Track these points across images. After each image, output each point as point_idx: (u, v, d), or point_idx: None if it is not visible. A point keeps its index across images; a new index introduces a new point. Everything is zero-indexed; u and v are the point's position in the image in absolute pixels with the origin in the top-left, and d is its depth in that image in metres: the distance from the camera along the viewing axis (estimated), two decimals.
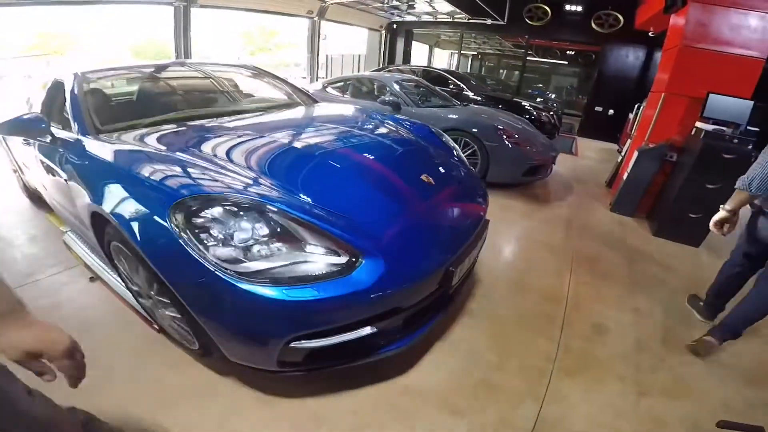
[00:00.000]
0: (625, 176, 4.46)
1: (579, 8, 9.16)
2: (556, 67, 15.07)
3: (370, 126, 2.75)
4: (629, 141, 5.34)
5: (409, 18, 11.14)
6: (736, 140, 3.59)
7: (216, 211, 1.45)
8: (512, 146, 4.42)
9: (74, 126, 2.15)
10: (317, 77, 9.99)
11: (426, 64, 15.21)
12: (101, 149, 1.93)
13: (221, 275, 1.36)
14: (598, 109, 9.47)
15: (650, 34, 8.20)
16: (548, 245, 3.49)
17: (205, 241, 1.40)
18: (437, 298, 1.80)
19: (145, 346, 1.98)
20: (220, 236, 1.41)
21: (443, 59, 20.14)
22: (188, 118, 2.41)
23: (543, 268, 3.08)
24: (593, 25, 9.08)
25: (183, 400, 1.70)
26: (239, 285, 1.35)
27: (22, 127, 2.09)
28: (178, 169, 1.69)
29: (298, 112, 2.95)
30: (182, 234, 1.41)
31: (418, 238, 1.75)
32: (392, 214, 1.79)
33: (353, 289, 1.43)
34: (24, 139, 2.54)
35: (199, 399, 1.72)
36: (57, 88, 2.60)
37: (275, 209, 1.50)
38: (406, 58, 12.47)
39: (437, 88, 6.30)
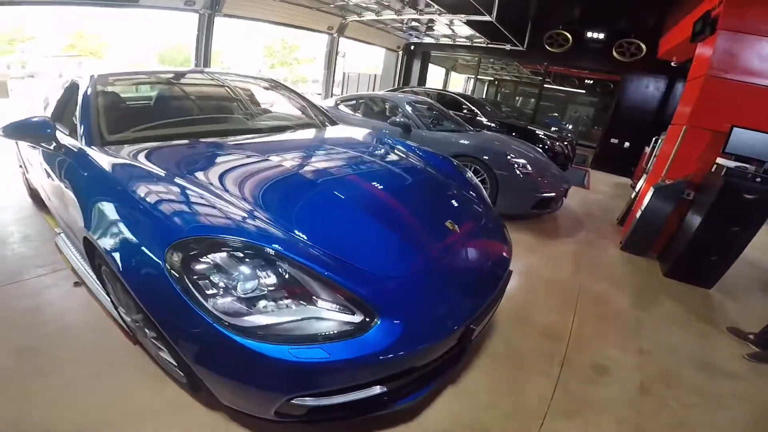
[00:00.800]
0: (638, 214, 4.28)
1: (601, 35, 9.06)
2: (574, 95, 14.97)
3: (393, 160, 2.53)
4: (644, 176, 5.18)
5: (427, 40, 11.22)
6: (759, 179, 3.40)
7: (219, 256, 1.30)
8: (523, 176, 4.30)
9: (80, 132, 2.05)
10: (332, 94, 10.03)
11: (441, 88, 15.29)
12: (103, 164, 1.81)
13: (220, 328, 1.22)
14: (614, 141, 9.30)
15: (673, 63, 8.12)
16: (553, 282, 3.35)
17: (205, 290, 1.26)
18: (453, 354, 1.67)
19: (119, 358, 1.90)
20: (222, 284, 1.27)
21: (459, 83, 20.24)
22: (200, 134, 2.31)
23: (546, 305, 2.95)
24: (615, 54, 8.94)
25: (147, 419, 1.60)
26: (239, 340, 1.21)
27: (28, 130, 2.03)
28: (179, 198, 1.56)
29: (311, 135, 2.84)
30: (179, 279, 1.27)
31: (438, 292, 1.58)
32: (410, 263, 1.61)
33: (366, 352, 1.28)
34: None
35: (167, 419, 1.61)
36: (72, 89, 2.49)
37: (287, 257, 1.34)
38: (422, 80, 12.51)
39: (450, 112, 6.24)
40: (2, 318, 2.12)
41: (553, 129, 9.30)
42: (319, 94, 10.54)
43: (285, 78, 34.69)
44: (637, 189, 5.15)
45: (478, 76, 14.85)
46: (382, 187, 2.02)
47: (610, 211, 5.68)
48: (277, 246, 1.36)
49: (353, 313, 1.33)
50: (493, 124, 7.41)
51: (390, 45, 11.52)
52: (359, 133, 3.04)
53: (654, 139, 6.79)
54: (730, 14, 3.96)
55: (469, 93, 14.45)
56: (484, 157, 4.36)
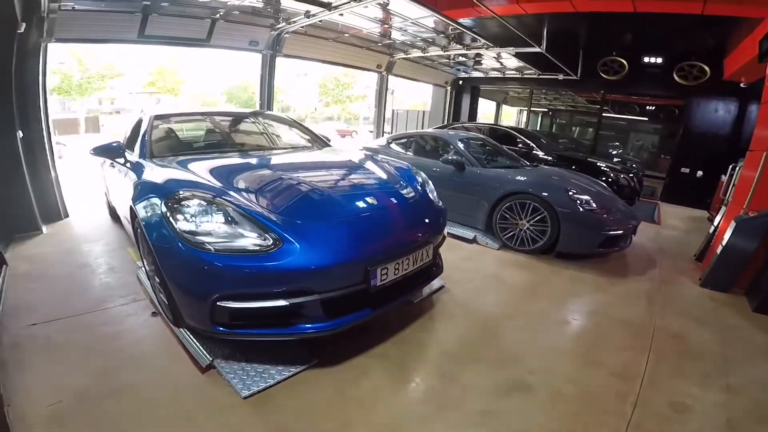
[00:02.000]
0: (719, 249, 3.91)
1: (659, 60, 8.63)
2: (635, 123, 14.27)
3: (343, 161, 3.43)
4: (723, 208, 4.72)
5: (475, 74, 11.29)
6: None
7: (193, 201, 2.12)
8: (587, 213, 4.08)
9: (137, 151, 3.09)
10: (383, 132, 10.26)
11: (493, 122, 15.18)
12: (148, 166, 2.79)
13: (180, 242, 1.98)
14: (685, 170, 8.66)
15: (742, 85, 7.55)
16: (624, 321, 3.12)
17: (177, 221, 2.05)
18: (359, 293, 2.16)
19: (188, 386, 2.05)
20: (188, 217, 2.06)
21: (512, 116, 20.04)
22: (218, 153, 3.23)
23: (616, 344, 2.77)
24: (676, 78, 8.45)
25: None
26: (192, 250, 1.95)
27: (108, 150, 3.18)
28: (179, 177, 2.50)
29: (297, 152, 3.72)
30: (165, 213, 2.09)
31: (339, 239, 2.16)
32: (324, 218, 2.27)
33: (267, 263, 1.93)
34: (110, 163, 3.52)
35: None
36: (139, 124, 3.53)
37: (232, 205, 2.12)
38: (472, 115, 12.49)
39: (505, 147, 6.15)
40: (87, 341, 2.37)
41: (615, 160, 8.84)
42: (371, 132, 10.81)
43: (338, 116, 36.27)
44: (716, 223, 4.70)
45: (531, 108, 14.60)
46: (331, 177, 3.03)
47: (685, 247, 5.21)
48: (226, 198, 2.17)
49: (265, 240, 1.99)
50: (550, 158, 7.20)
51: (438, 81, 11.71)
52: (341, 151, 3.85)
53: (731, 166, 6.23)
54: None
55: (522, 126, 14.23)
56: (543, 193, 4.20)
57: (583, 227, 4.10)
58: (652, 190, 9.05)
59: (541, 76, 9.60)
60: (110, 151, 3.17)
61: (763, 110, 4.32)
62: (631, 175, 7.03)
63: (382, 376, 2.24)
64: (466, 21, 6.64)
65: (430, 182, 3.27)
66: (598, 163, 7.15)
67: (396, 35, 7.40)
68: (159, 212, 2.12)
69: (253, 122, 4.13)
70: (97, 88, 23.46)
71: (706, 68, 8.08)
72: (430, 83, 12.01)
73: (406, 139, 6.08)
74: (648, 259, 4.63)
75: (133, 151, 3.19)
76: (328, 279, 2.03)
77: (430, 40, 7.57)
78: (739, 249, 3.74)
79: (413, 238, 2.50)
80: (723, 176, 7.02)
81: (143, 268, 2.91)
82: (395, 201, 2.71)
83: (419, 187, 3.03)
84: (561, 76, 9.09)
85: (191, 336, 2.31)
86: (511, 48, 6.94)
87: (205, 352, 2.21)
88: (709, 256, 4.37)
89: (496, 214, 4.47)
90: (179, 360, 2.23)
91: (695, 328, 3.07)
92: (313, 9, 5.37)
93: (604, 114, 10.94)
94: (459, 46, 7.64)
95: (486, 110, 16.62)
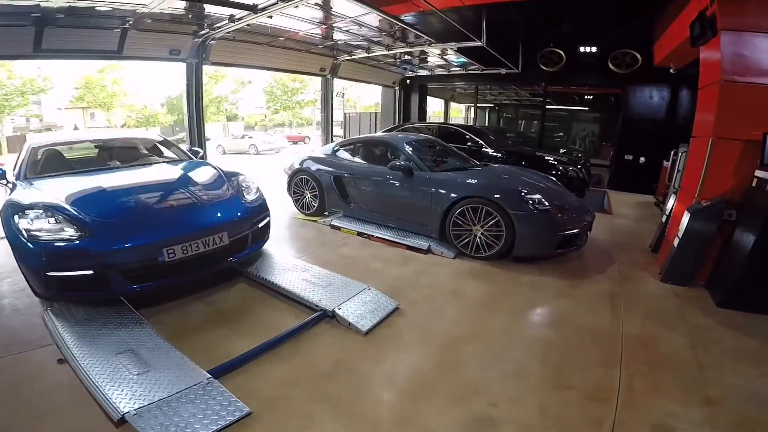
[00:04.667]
0: (675, 241, 3.84)
1: (594, 49, 8.80)
2: (576, 113, 14.69)
3: (169, 172, 4.01)
4: (673, 195, 4.73)
5: (422, 72, 11.14)
6: None
7: (34, 211, 2.82)
8: (541, 213, 3.90)
9: (14, 173, 3.72)
10: (331, 138, 9.86)
11: (443, 120, 15.16)
12: (19, 186, 3.43)
13: (22, 237, 2.70)
14: (628, 157, 8.86)
15: (672, 70, 7.78)
16: (590, 330, 2.94)
17: (20, 223, 2.75)
18: (154, 267, 2.85)
19: None
20: (29, 220, 2.75)
21: (460, 113, 20.20)
22: (76, 172, 3.75)
23: (585, 359, 2.58)
24: (611, 66, 8.64)
25: None
26: (27, 241, 2.68)
27: None
28: (30, 194, 3.14)
29: (144, 168, 4.14)
30: (15, 219, 2.78)
31: (130, 230, 2.87)
32: (123, 215, 3.00)
33: (70, 246, 2.68)
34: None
35: None
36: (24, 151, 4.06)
37: (59, 213, 2.82)
38: (422, 114, 12.34)
39: (454, 146, 5.94)
40: None
41: (561, 151, 8.94)
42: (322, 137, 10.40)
43: (290, 122, 35.29)
44: (667, 211, 4.69)
45: (478, 104, 14.68)
46: (147, 185, 3.60)
47: (639, 237, 5.19)
48: (57, 208, 2.87)
49: (76, 231, 2.74)
50: (499, 155, 7.09)
51: (385, 81, 11.48)
52: (183, 163, 4.31)
53: (673, 152, 6.39)
54: (728, 12, 3.69)
55: (470, 122, 14.28)
56: (495, 196, 3.98)
57: (538, 229, 3.92)
58: (599, 178, 9.20)
59: (484, 72, 9.52)
60: None
61: (701, 96, 4.31)
62: (578, 166, 7.04)
63: (330, 427, 1.95)
64: (407, 17, 6.42)
65: (251, 187, 3.79)
66: (546, 157, 7.14)
67: (338, 36, 7.07)
68: (13, 218, 2.80)
69: (121, 145, 4.65)
70: (17, 105, 21.16)
71: (638, 55, 8.30)
72: (378, 84, 11.75)
73: (353, 145, 5.71)
74: (605, 254, 4.52)
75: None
76: (123, 256, 2.78)
77: (374, 40, 7.28)
78: (696, 241, 3.67)
79: (201, 228, 3.08)
80: (665, 161, 7.22)
81: (49, 310, 2.85)
82: (188, 201, 3.31)
83: (229, 190, 3.59)
84: (504, 71, 9.06)
85: (101, 385, 2.08)
86: (453, 43, 6.78)
87: (116, 405, 1.94)
88: (665, 247, 4.33)
89: (448, 220, 4.21)
90: (89, 413, 1.99)
91: (664, 333, 2.93)
92: (238, 12, 4.91)
93: (547, 106, 11.10)
94: (403, 44, 7.39)
95: (435, 108, 16.61)
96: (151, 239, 2.85)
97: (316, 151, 6.18)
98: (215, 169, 4.01)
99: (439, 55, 8.54)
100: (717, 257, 3.71)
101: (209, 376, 2.17)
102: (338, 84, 10.14)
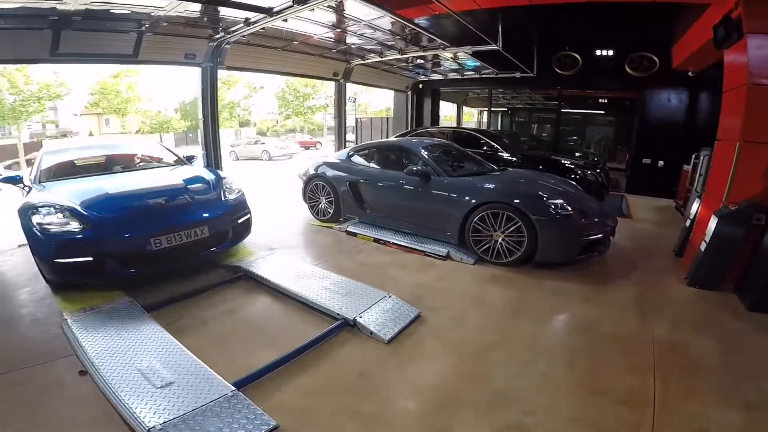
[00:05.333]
0: (702, 245, 3.74)
1: (611, 53, 8.64)
2: (592, 117, 14.51)
3: (162, 175, 4.46)
4: (698, 199, 4.60)
5: (435, 76, 11.05)
6: None
7: (42, 209, 3.26)
8: (563, 219, 3.83)
9: (31, 178, 4.06)
10: (345, 143, 9.84)
11: (456, 125, 15.06)
12: (34, 188, 3.79)
13: (36, 230, 3.17)
14: (646, 161, 8.69)
15: (690, 74, 7.64)
16: (619, 336, 2.88)
17: (34, 218, 3.21)
18: (143, 254, 3.30)
19: None
20: (42, 216, 3.21)
21: (472, 117, 20.08)
22: (84, 175, 4.20)
23: (616, 366, 2.51)
24: (628, 69, 8.47)
25: None
26: (40, 233, 3.15)
27: (10, 180, 4.20)
28: (48, 197, 3.49)
29: (143, 171, 4.58)
30: (30, 215, 3.24)
31: (123, 224, 3.32)
32: (117, 211, 3.39)
33: (74, 237, 3.13)
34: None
35: None
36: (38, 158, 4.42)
37: (65, 209, 3.24)
38: (434, 119, 12.25)
39: (470, 150, 5.87)
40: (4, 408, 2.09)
41: (577, 155, 8.79)
42: (334, 143, 10.39)
43: (301, 127, 35.44)
44: (691, 215, 4.56)
45: (492, 108, 14.57)
46: (140, 185, 3.93)
47: (662, 241, 5.06)
48: (64, 206, 3.28)
49: (79, 225, 3.18)
50: (515, 159, 7.00)
51: (398, 86, 11.40)
52: (177, 168, 4.72)
53: (694, 155, 6.24)
54: (754, 15, 3.62)
55: (483, 126, 14.17)
56: (515, 201, 3.91)
57: (561, 234, 3.86)
58: (616, 182, 9.04)
59: (499, 76, 9.44)
60: (12, 181, 4.18)
61: (726, 99, 4.20)
62: (597, 170, 6.92)
63: None
64: (421, 20, 6.34)
65: (233, 188, 4.19)
66: (563, 161, 7.02)
67: (351, 40, 7.02)
68: (29, 215, 3.24)
69: (127, 152, 5.17)
70: (34, 111, 21.46)
71: (656, 59, 8.14)
72: (390, 89, 11.70)
73: (368, 150, 5.68)
74: (628, 260, 4.42)
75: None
76: (116, 245, 3.23)
77: (388, 44, 7.24)
78: (724, 245, 3.56)
79: (185, 223, 3.54)
80: (685, 165, 7.08)
81: (68, 320, 2.86)
82: (175, 199, 3.74)
83: (213, 190, 4.01)
84: (518, 74, 8.94)
85: (125, 399, 2.03)
86: (468, 47, 6.70)
87: (141, 420, 1.89)
88: (689, 251, 4.22)
89: (468, 226, 4.14)
90: (114, 427, 1.94)
91: (695, 338, 2.85)
92: (253, 16, 4.91)
93: (562, 110, 10.95)
94: (416, 48, 7.34)
95: (447, 113, 16.52)
96: (140, 231, 3.30)
97: (331, 156, 6.15)
98: (203, 172, 4.48)
99: (452, 59, 8.47)
100: (746, 261, 3.59)
101: (234, 388, 2.13)
102: (350, 89, 10.07)
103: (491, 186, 4.26)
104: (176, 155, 5.13)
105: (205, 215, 3.72)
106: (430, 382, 2.35)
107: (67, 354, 2.52)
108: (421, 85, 11.72)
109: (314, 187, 5.68)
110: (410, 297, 3.30)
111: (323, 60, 8.19)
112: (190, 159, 5.06)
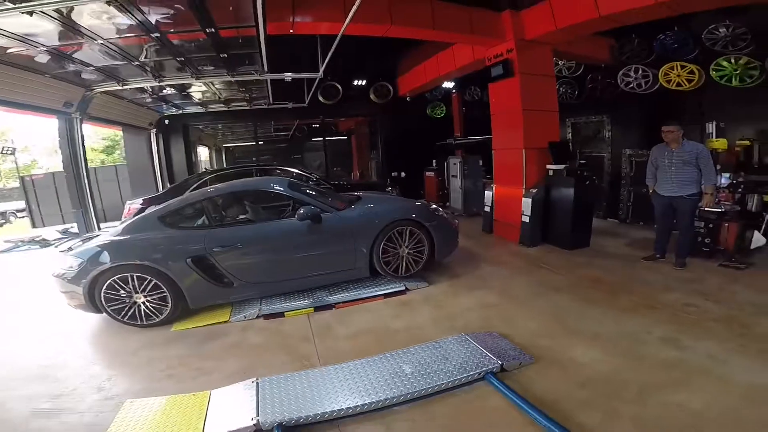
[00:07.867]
0: (526, 219, 5.43)
1: (363, 82, 9.95)
2: (334, 142, 15.43)
3: None
4: (489, 189, 6.42)
5: (191, 109, 9.46)
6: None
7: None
8: (442, 218, 4.63)
9: None
10: (89, 203, 7.09)
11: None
12: None
13: None
14: (394, 174, 10.56)
15: (408, 99, 10.20)
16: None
17: None
18: None
19: None
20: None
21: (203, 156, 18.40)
22: None
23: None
24: (372, 97, 10.13)
25: None
26: None
27: None
28: None
29: None
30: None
31: None
32: None
33: None
34: None
35: None
36: None
37: None
38: (189, 163, 10.40)
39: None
40: None
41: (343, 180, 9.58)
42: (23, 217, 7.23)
43: None
44: (489, 202, 6.33)
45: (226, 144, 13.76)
46: None
47: (465, 227, 6.18)
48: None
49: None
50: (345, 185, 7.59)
51: (139, 122, 8.92)
52: None
53: (435, 162, 9.14)
54: (523, 60, 5.40)
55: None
56: (413, 215, 4.34)
57: (447, 232, 4.59)
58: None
59: (271, 107, 9.22)
60: None
61: (497, 120, 6.09)
62: (388, 188, 8.02)
63: None
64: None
65: None
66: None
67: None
68: None
69: None
70: None
71: (390, 87, 10.14)
72: (130, 125, 8.99)
73: (201, 204, 4.17)
74: (464, 241, 5.47)
75: None
76: None
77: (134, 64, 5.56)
78: (537, 215, 5.36)
79: None
80: (426, 172, 9.47)
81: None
82: None
83: None
84: (291, 105, 9.09)
85: None
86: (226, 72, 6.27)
87: None
88: (497, 226, 6.16)
89: (375, 252, 4.18)
90: None
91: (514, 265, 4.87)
92: None
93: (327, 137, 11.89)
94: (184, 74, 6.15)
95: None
96: None
97: (113, 232, 4.01)
98: None
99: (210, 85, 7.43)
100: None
101: None
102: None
103: (390, 207, 4.61)
104: None
105: None
106: None
107: None
108: (167, 121, 9.68)
109: (115, 283, 3.56)
110: (449, 330, 3.28)
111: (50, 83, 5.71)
112: None
